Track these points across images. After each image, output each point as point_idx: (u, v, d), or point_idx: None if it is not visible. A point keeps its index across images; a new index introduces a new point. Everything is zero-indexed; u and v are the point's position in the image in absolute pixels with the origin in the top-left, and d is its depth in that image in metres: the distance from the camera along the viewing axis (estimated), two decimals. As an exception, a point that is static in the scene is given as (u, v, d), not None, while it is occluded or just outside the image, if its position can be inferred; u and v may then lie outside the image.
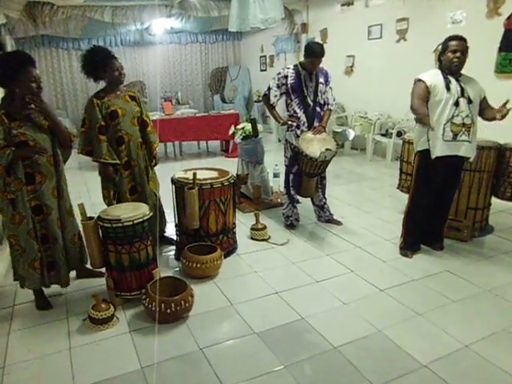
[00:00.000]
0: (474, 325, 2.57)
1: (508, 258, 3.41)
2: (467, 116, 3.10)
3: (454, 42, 3.08)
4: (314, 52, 3.66)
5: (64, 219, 2.83)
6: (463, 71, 3.20)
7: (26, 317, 2.78)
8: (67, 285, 2.92)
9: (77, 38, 9.13)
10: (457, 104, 3.08)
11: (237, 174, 4.64)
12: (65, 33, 8.26)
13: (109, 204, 3.28)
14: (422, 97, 3.13)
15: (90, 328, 2.60)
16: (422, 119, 3.09)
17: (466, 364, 2.24)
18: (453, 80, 3.12)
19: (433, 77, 3.17)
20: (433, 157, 3.18)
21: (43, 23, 6.88)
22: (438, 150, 3.16)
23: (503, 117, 3.07)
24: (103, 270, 2.92)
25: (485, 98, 3.23)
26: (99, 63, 3.15)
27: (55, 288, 3.01)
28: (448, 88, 3.08)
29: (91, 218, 2.75)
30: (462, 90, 3.10)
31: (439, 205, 3.46)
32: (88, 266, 3.04)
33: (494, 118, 3.14)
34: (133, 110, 3.27)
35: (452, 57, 3.07)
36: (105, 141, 3.16)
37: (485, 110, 3.22)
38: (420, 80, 3.17)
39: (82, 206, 2.76)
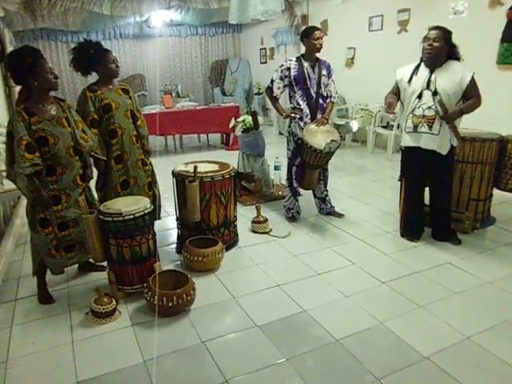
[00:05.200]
0: (476, 317, 2.57)
1: (510, 250, 3.40)
2: (429, 108, 3.14)
3: (429, 31, 3.12)
4: (313, 27, 3.74)
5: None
6: (466, 61, 3.20)
7: (28, 311, 2.79)
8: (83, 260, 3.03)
9: (76, 30, 9.07)
10: (420, 96, 3.16)
11: (243, 173, 4.63)
12: (64, 26, 8.20)
13: (100, 197, 3.30)
14: (393, 89, 3.39)
15: (93, 322, 2.60)
16: (392, 104, 3.27)
17: (468, 356, 2.24)
18: (424, 72, 3.17)
19: (405, 70, 3.29)
20: (401, 145, 3.41)
21: (42, 16, 6.83)
22: (404, 140, 3.34)
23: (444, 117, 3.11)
24: (105, 263, 2.93)
25: (470, 87, 3.12)
26: (94, 56, 3.14)
27: (58, 282, 3.03)
28: (410, 81, 3.20)
29: (93, 212, 2.75)
30: (429, 81, 3.13)
31: (434, 198, 3.52)
32: (90, 260, 3.05)
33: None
34: (126, 103, 3.26)
35: (424, 45, 3.12)
36: (96, 134, 3.13)
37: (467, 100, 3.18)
38: (395, 71, 3.36)
39: (82, 200, 2.76)
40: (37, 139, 2.59)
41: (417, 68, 3.20)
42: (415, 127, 3.22)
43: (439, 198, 3.49)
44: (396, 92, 3.37)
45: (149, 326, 2.57)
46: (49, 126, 2.63)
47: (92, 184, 3.11)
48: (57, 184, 2.72)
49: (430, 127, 3.17)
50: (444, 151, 3.24)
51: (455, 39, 3.35)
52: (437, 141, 3.19)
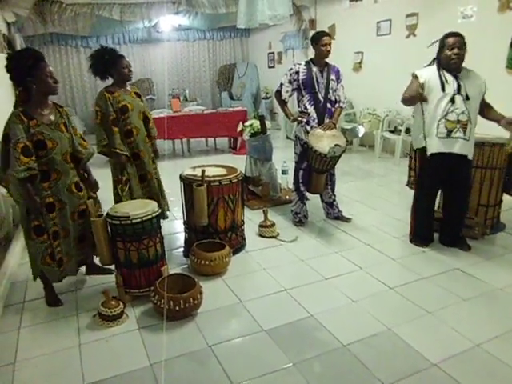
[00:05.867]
0: (485, 324, 2.54)
1: (519, 256, 3.37)
2: (462, 113, 3.10)
3: (451, 39, 3.09)
4: (322, 33, 3.76)
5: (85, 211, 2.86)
6: (471, 66, 3.19)
7: (36, 313, 2.80)
8: (75, 273, 2.99)
9: (85, 35, 9.17)
10: (453, 101, 3.11)
11: (250, 176, 4.63)
12: (73, 30, 8.29)
13: (121, 191, 3.44)
14: (414, 93, 3.18)
15: (100, 325, 2.61)
16: (416, 97, 3.16)
17: (477, 363, 2.22)
18: (449, 77, 3.13)
19: (429, 74, 3.19)
20: (428, 153, 3.23)
21: (52, 21, 6.91)
22: (433, 146, 3.20)
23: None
24: (112, 267, 2.94)
25: (484, 93, 3.20)
26: (109, 61, 3.32)
27: (66, 284, 3.04)
28: (443, 88, 3.10)
29: (100, 216, 2.76)
30: (459, 86, 3.10)
31: (451, 205, 3.46)
32: (97, 262, 3.06)
33: (493, 120, 3.19)
34: (139, 106, 3.48)
35: (450, 54, 3.08)
36: (117, 132, 3.34)
37: (483, 108, 3.23)
38: (415, 77, 3.22)
39: (91, 203, 2.77)
40: (35, 142, 2.56)
41: (442, 73, 3.15)
42: (449, 132, 3.13)
43: (459, 203, 3.43)
44: (417, 89, 3.19)
45: (156, 329, 2.57)
46: (47, 130, 2.61)
47: (105, 190, 3.13)
48: (51, 190, 2.68)
49: (464, 132, 3.13)
50: (471, 156, 3.24)
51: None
52: (468, 146, 3.18)
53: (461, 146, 3.15)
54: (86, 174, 2.95)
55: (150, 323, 2.63)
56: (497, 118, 3.19)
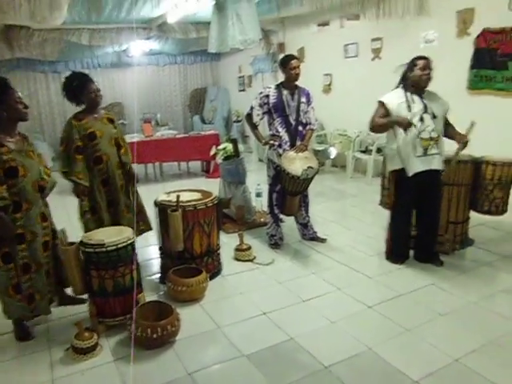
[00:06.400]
0: (463, 338, 2.58)
1: (489, 270, 3.47)
2: (433, 130, 3.27)
3: (421, 61, 3.28)
4: (289, 56, 3.84)
5: (49, 243, 2.77)
6: (435, 88, 3.35)
7: (5, 349, 2.67)
8: (49, 312, 2.84)
9: (53, 60, 9.06)
10: (422, 120, 3.25)
11: (220, 199, 4.62)
12: (41, 56, 8.17)
13: (85, 220, 3.33)
14: (380, 114, 3.35)
15: (73, 358, 2.50)
16: (386, 127, 3.32)
17: (457, 378, 2.25)
18: (416, 98, 3.29)
19: (394, 98, 3.35)
20: (409, 174, 3.33)
21: (19, 46, 6.81)
22: (413, 166, 3.30)
23: (463, 145, 3.28)
24: (85, 296, 2.84)
25: (447, 113, 3.38)
26: (77, 88, 3.27)
27: (36, 318, 2.91)
28: (409, 108, 3.26)
29: (72, 244, 2.69)
30: (425, 106, 3.26)
31: (425, 221, 3.55)
32: (69, 292, 2.96)
33: (452, 139, 3.35)
34: (110, 132, 3.38)
35: (421, 73, 3.26)
36: (80, 160, 3.24)
37: (446, 127, 3.38)
38: (380, 102, 3.37)
39: (62, 232, 2.70)
40: (6, 170, 2.50)
41: (408, 95, 3.30)
42: (425, 150, 3.26)
43: (432, 220, 3.52)
44: (383, 116, 3.35)
45: (132, 359, 2.49)
46: (19, 157, 2.56)
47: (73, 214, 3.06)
48: (22, 221, 2.60)
49: (438, 148, 3.28)
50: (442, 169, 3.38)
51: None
52: (441, 160, 3.33)
53: (437, 162, 3.30)
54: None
55: (125, 353, 2.54)
56: (455, 136, 3.35)
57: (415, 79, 3.28)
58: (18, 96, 2.58)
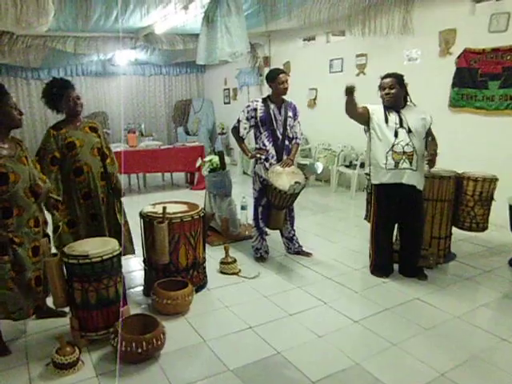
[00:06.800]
0: (448, 352, 2.59)
1: (471, 284, 3.51)
2: (407, 144, 3.30)
3: (384, 80, 3.39)
4: (277, 70, 3.85)
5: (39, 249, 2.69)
6: (417, 104, 3.41)
7: (-19, 364, 2.57)
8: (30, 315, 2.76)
9: (36, 67, 8.95)
10: (396, 134, 3.31)
11: (203, 213, 4.58)
12: (25, 62, 8.07)
13: (57, 235, 3.16)
14: (356, 106, 3.37)
15: (54, 374, 2.42)
16: (356, 108, 3.37)
17: (443, 394, 2.25)
18: (392, 114, 3.36)
19: (376, 109, 3.44)
20: (373, 182, 3.43)
21: (2, 52, 6.71)
22: (381, 177, 3.37)
23: (430, 163, 3.33)
24: (66, 309, 2.77)
25: (429, 128, 3.42)
26: (56, 94, 3.14)
27: (14, 331, 2.82)
28: (386, 121, 3.33)
29: (55, 255, 2.62)
30: (401, 120, 3.32)
31: (406, 236, 3.59)
32: (50, 305, 2.88)
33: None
34: (92, 141, 3.25)
35: (382, 93, 3.38)
36: (54, 172, 3.12)
37: (428, 141, 3.42)
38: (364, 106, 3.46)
39: (44, 242, 2.64)
40: None
41: (386, 109, 3.37)
42: (396, 163, 3.30)
43: (412, 235, 3.55)
44: (363, 111, 3.42)
45: (115, 375, 2.42)
46: (10, 163, 2.52)
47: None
48: (13, 226, 2.55)
49: (411, 163, 3.30)
50: (421, 186, 3.40)
51: (411, 84, 3.61)
52: (416, 176, 3.34)
53: (408, 177, 3.31)
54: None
55: (108, 369, 2.47)
56: (428, 151, 3.39)
57: (381, 98, 3.39)
58: (13, 102, 2.55)
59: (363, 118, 3.43)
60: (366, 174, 3.59)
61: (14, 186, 2.51)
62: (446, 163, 3.94)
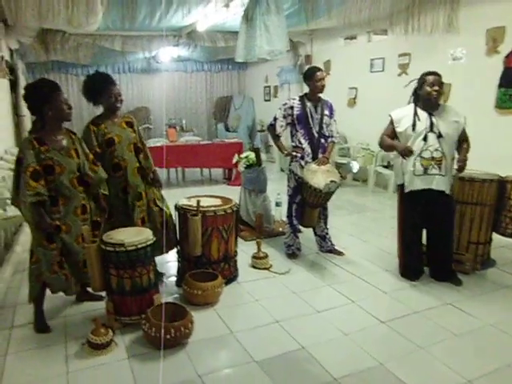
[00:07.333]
0: (477, 360, 2.54)
1: (509, 292, 3.39)
2: (436, 150, 3.23)
3: (431, 77, 3.26)
4: (314, 68, 3.87)
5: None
6: (461, 106, 3.32)
7: (24, 339, 2.76)
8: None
9: (86, 64, 9.34)
10: (425, 139, 3.23)
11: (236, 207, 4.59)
12: (75, 59, 8.43)
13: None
14: (388, 132, 3.44)
15: (89, 353, 2.57)
16: (391, 149, 3.43)
17: (469, 400, 2.21)
18: (423, 116, 3.27)
19: (401, 113, 3.38)
20: (406, 190, 3.37)
21: (54, 50, 7.06)
22: (411, 184, 3.32)
23: (460, 168, 3.28)
24: (103, 293, 2.92)
25: (463, 130, 3.32)
26: (96, 89, 3.17)
27: (55, 311, 3.00)
28: (414, 128, 3.26)
29: (95, 242, 2.77)
30: (432, 124, 3.23)
31: (436, 240, 3.52)
32: (89, 289, 3.04)
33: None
34: (129, 137, 3.25)
35: (430, 90, 3.23)
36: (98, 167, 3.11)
37: (460, 143, 3.34)
38: (391, 122, 3.43)
39: (86, 229, 2.78)
40: (44, 167, 2.64)
41: (416, 112, 3.30)
42: (425, 169, 3.26)
43: (442, 239, 3.48)
44: (391, 134, 3.42)
45: (145, 358, 2.54)
46: (57, 156, 2.70)
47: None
48: (60, 214, 2.74)
49: (440, 168, 3.24)
50: (449, 191, 3.33)
51: (455, 84, 3.52)
52: (445, 181, 3.28)
53: (438, 182, 3.26)
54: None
55: (139, 352, 2.60)
56: (459, 157, 3.32)
57: (424, 96, 3.27)
58: (64, 97, 2.74)
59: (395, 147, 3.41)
60: (400, 185, 3.48)
61: (59, 177, 2.70)
62: (489, 166, 3.82)
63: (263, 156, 5.07)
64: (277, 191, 5.25)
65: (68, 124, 2.92)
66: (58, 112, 2.71)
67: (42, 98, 2.65)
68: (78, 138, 2.92)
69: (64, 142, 2.77)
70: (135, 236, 2.77)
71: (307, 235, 4.40)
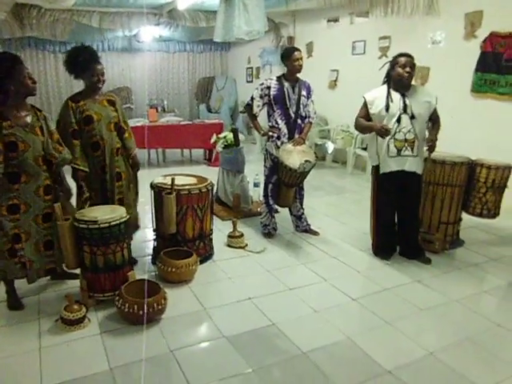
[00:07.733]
0: (440, 333, 2.65)
1: (476, 270, 3.51)
2: (409, 131, 3.29)
3: (403, 58, 3.29)
4: (291, 48, 3.88)
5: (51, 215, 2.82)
6: (439, 89, 3.37)
7: (-4, 316, 2.76)
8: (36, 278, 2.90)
9: (64, 41, 9.12)
10: (399, 120, 3.28)
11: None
12: (52, 36, 8.19)
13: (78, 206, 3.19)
14: (362, 114, 3.46)
15: (62, 329, 2.59)
16: (368, 130, 3.43)
17: (430, 371, 2.31)
18: (396, 97, 3.31)
19: (376, 93, 3.41)
20: (380, 172, 3.43)
21: (30, 25, 6.87)
22: (385, 165, 3.38)
23: (430, 148, 3.34)
24: (77, 271, 2.93)
25: (435, 110, 3.38)
26: (80, 64, 3.06)
27: (28, 288, 3.00)
28: (387, 109, 3.29)
29: (67, 219, 2.76)
30: (405, 106, 3.28)
31: (405, 219, 3.62)
32: (63, 267, 3.04)
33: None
34: (109, 116, 3.18)
35: (402, 71, 3.26)
36: (78, 145, 3.07)
37: (432, 123, 3.40)
38: (364, 103, 3.45)
39: (58, 207, 2.77)
40: (6, 144, 2.57)
41: (389, 93, 3.33)
42: (399, 151, 3.32)
43: (410, 218, 3.59)
44: (365, 117, 3.44)
45: (118, 333, 2.58)
46: (21, 132, 2.62)
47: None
48: (18, 192, 2.67)
49: (412, 150, 3.31)
50: (421, 171, 3.42)
51: (433, 67, 3.55)
52: (417, 162, 3.37)
53: (410, 164, 3.34)
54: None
55: (112, 327, 2.63)
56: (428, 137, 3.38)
57: (396, 77, 3.30)
58: (27, 72, 2.65)
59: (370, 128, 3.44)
60: (374, 166, 3.53)
61: (23, 154, 2.63)
62: (464, 149, 3.91)
63: (242, 136, 5.07)
64: (255, 172, 5.28)
65: (46, 102, 2.86)
66: (21, 86, 2.62)
67: (2, 73, 2.56)
68: (43, 115, 2.83)
69: (28, 119, 2.69)
70: (109, 214, 2.77)
71: (283, 215, 4.45)
